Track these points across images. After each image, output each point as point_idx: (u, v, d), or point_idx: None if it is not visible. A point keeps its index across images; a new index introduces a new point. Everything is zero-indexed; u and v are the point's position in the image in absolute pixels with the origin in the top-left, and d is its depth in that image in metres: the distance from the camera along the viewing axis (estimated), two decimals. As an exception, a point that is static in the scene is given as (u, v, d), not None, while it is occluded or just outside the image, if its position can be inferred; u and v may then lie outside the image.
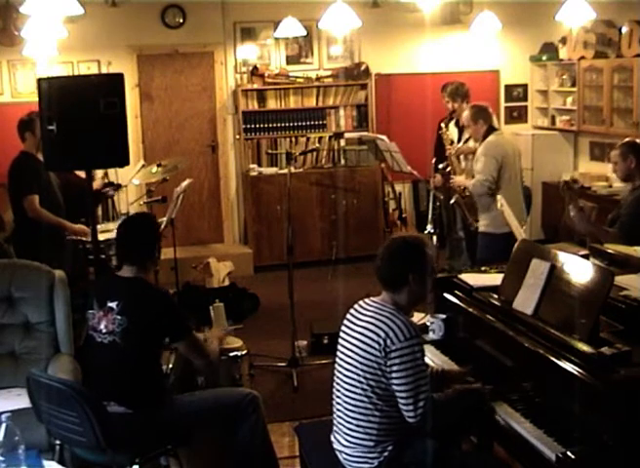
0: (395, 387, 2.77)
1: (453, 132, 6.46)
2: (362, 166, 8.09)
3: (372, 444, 2.84)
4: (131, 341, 3.24)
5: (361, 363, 2.82)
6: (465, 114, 5.51)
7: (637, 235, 4.14)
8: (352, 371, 2.86)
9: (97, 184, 5.74)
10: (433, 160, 6.55)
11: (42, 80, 4.11)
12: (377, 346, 2.78)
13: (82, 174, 5.61)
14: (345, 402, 2.90)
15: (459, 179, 5.89)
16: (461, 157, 6.28)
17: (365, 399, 2.82)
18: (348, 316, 2.99)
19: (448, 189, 6.21)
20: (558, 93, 8.51)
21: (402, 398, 2.77)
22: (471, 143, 6.29)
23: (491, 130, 5.42)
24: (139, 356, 3.28)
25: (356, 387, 2.84)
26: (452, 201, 6.10)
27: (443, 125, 6.47)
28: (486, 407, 2.90)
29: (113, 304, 3.27)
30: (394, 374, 2.75)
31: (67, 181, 5.49)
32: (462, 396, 2.97)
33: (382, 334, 2.78)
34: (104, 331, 3.28)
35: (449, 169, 6.20)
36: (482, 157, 5.34)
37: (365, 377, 2.81)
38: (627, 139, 4.76)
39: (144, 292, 3.36)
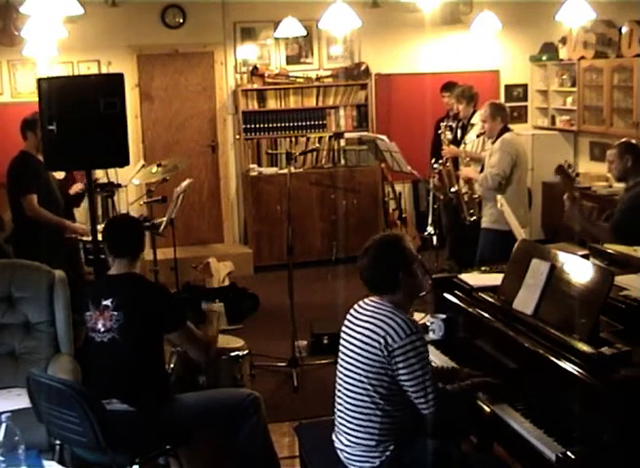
0: (403, 383, 2.78)
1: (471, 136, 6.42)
2: (362, 166, 8.09)
3: (373, 443, 2.84)
4: (129, 335, 3.26)
5: (363, 363, 2.83)
6: (484, 110, 5.51)
7: (630, 232, 4.14)
8: (354, 372, 2.86)
9: (75, 188, 5.73)
10: (433, 160, 6.55)
11: (42, 80, 4.11)
12: (377, 346, 2.78)
13: (59, 175, 5.65)
14: (347, 402, 2.90)
15: (467, 170, 5.88)
16: (460, 160, 6.28)
17: (367, 399, 2.83)
18: (348, 316, 3.00)
19: (449, 177, 6.21)
20: (558, 93, 8.52)
21: (412, 392, 2.78)
22: (463, 147, 6.30)
23: (506, 129, 5.45)
24: (139, 350, 3.29)
25: (358, 387, 2.85)
26: (453, 189, 6.09)
27: (443, 125, 6.47)
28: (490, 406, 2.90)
29: (108, 302, 3.29)
30: (401, 371, 2.76)
31: None
32: (475, 388, 2.99)
33: (382, 334, 2.78)
34: (103, 329, 3.29)
35: (440, 168, 6.22)
36: (498, 152, 5.36)
37: (367, 377, 2.82)
38: (624, 139, 4.77)
39: (137, 285, 3.39)
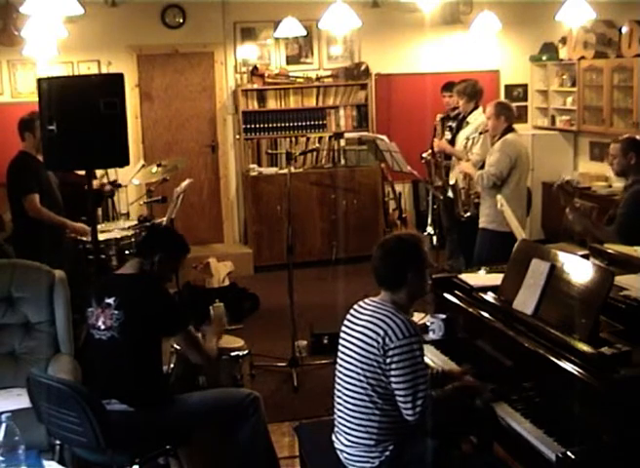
0: (394, 385, 2.78)
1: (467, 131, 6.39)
2: (362, 166, 8.08)
3: (372, 443, 2.85)
4: (129, 335, 3.26)
5: (361, 362, 2.83)
6: (489, 109, 5.49)
7: (635, 234, 4.14)
8: (353, 371, 2.87)
9: (95, 183, 5.72)
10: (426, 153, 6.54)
11: (42, 80, 4.11)
12: (376, 345, 2.79)
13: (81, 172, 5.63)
14: (346, 401, 2.90)
15: (464, 165, 5.86)
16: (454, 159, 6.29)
17: (365, 398, 2.83)
18: (348, 316, 3.00)
19: (438, 168, 6.24)
20: (558, 93, 8.52)
21: (400, 396, 2.78)
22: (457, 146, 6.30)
23: (509, 129, 5.42)
24: (137, 350, 3.30)
25: (356, 386, 2.85)
26: (451, 182, 6.10)
27: (439, 116, 6.45)
28: (485, 405, 2.91)
29: (111, 300, 3.30)
30: (393, 372, 2.76)
31: (64, 180, 5.48)
32: (461, 393, 2.98)
33: (381, 333, 2.79)
34: (103, 327, 3.30)
35: (429, 158, 6.24)
36: (497, 152, 5.34)
37: (365, 376, 2.82)
38: (628, 135, 4.75)
39: (141, 286, 3.39)
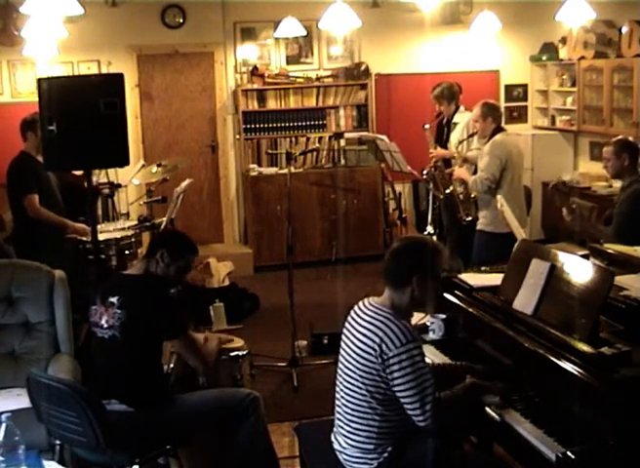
0: (399, 393, 2.74)
1: (457, 134, 6.39)
2: (362, 166, 8.08)
3: (372, 446, 2.83)
4: (129, 335, 3.27)
5: (359, 369, 2.80)
6: (475, 110, 5.48)
7: (632, 234, 4.15)
8: (351, 377, 2.84)
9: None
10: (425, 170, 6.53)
11: (42, 80, 4.11)
12: (373, 353, 2.75)
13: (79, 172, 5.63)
14: (345, 405, 2.89)
15: (459, 171, 5.86)
16: (453, 161, 6.27)
17: (364, 403, 2.81)
18: (349, 318, 2.96)
19: (442, 178, 6.22)
20: (558, 93, 8.52)
21: (408, 403, 2.73)
22: (452, 149, 6.28)
23: (498, 129, 5.40)
24: (138, 351, 3.30)
25: (355, 392, 2.83)
26: (447, 190, 6.10)
27: (427, 126, 6.44)
28: (498, 407, 2.89)
29: (114, 299, 3.31)
30: (396, 381, 2.72)
31: (63, 181, 5.48)
32: (471, 394, 2.94)
33: (378, 341, 2.74)
34: (105, 326, 3.31)
35: (433, 173, 6.22)
36: (487, 155, 5.32)
37: (364, 383, 2.80)
38: (620, 137, 4.77)
39: (143, 287, 3.40)
